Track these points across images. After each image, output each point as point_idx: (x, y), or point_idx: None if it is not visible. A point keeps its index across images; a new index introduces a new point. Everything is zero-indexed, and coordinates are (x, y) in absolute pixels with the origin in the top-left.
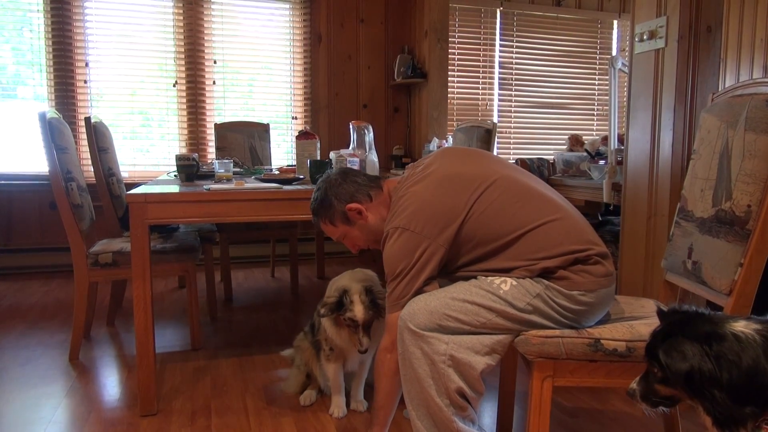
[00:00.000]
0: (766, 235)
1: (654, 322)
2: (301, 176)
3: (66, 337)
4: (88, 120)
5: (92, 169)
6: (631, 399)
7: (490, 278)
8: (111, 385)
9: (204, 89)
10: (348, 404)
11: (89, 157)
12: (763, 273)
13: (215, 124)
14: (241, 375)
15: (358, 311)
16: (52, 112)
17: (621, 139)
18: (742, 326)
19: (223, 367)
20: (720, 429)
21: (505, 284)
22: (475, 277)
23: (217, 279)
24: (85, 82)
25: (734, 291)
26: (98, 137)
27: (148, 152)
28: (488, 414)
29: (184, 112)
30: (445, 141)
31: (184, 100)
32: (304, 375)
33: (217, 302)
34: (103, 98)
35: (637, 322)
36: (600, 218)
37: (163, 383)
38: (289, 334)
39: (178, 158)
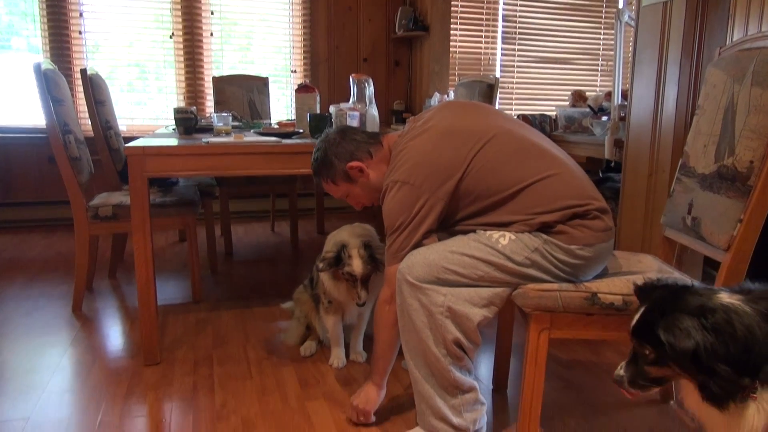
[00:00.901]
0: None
1: (652, 276)
2: (301, 130)
3: (68, 289)
4: (84, 72)
5: (89, 122)
6: (618, 386)
7: (488, 232)
8: (114, 335)
9: (201, 41)
10: (347, 355)
11: (86, 110)
12: (763, 231)
13: (213, 78)
14: (242, 326)
15: (357, 266)
16: (47, 63)
17: (625, 95)
18: (728, 297)
19: (224, 319)
20: (712, 403)
21: (503, 238)
22: (473, 231)
23: (218, 233)
24: (80, 33)
25: (732, 247)
26: (95, 89)
27: (145, 106)
28: (485, 366)
29: (182, 65)
30: (446, 96)
31: (182, 53)
32: (303, 327)
33: (217, 256)
34: (99, 50)
35: (635, 276)
36: (601, 175)
37: (166, 334)
38: (290, 287)
39: (176, 111)
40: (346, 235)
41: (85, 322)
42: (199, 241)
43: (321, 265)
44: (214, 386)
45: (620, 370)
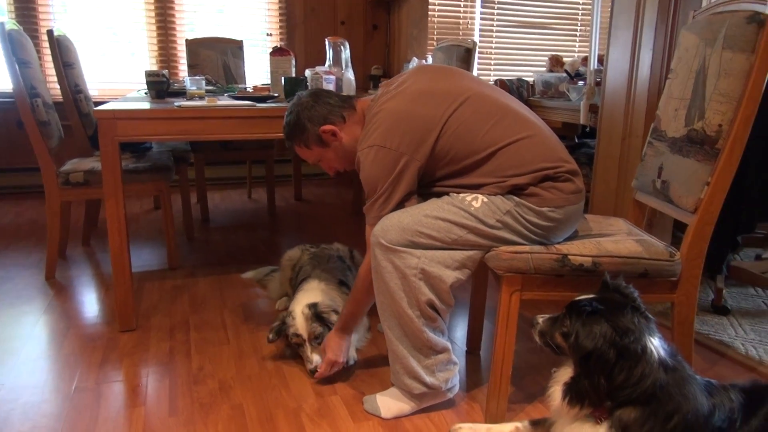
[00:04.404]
0: (735, 154)
1: (621, 240)
2: (276, 94)
3: (41, 257)
4: (50, 33)
5: (58, 87)
6: (530, 327)
7: (461, 195)
8: (89, 302)
9: (173, 3)
10: None
11: (54, 73)
12: (735, 196)
13: (186, 40)
14: (219, 293)
15: (300, 325)
16: (11, 24)
17: (601, 60)
18: (656, 343)
19: (201, 285)
20: (569, 397)
21: (476, 201)
22: (447, 194)
23: (193, 200)
24: None
25: (699, 209)
26: (62, 52)
27: (117, 70)
28: (460, 328)
29: (153, 27)
30: (424, 60)
31: (153, 14)
32: (285, 289)
33: (193, 223)
34: (66, 11)
35: (605, 239)
36: (577, 140)
37: (141, 301)
38: (267, 254)
39: (148, 74)
40: (295, 303)
41: (59, 290)
42: (174, 209)
43: (270, 336)
44: (190, 351)
45: (540, 319)
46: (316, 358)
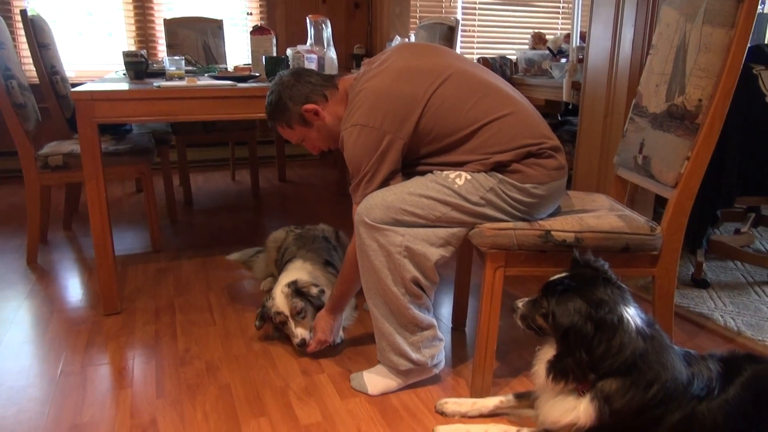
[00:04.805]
0: (714, 129)
1: (603, 215)
2: (257, 74)
3: (22, 242)
4: (24, 13)
5: (34, 68)
6: (511, 312)
7: (445, 173)
8: (72, 286)
9: None
10: None
11: (29, 55)
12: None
13: (165, 20)
14: (204, 275)
15: (280, 302)
16: None
17: (583, 37)
18: (632, 312)
19: (186, 268)
20: (553, 374)
21: (459, 178)
22: (431, 172)
23: (176, 183)
24: None
25: (680, 184)
26: (37, 32)
27: (94, 51)
28: (445, 305)
29: (130, 6)
30: (407, 39)
31: None
32: (270, 269)
33: (176, 205)
34: None
35: (587, 214)
36: (560, 118)
37: (126, 284)
38: (252, 236)
39: (126, 55)
40: (276, 284)
41: (41, 275)
42: (157, 192)
43: (257, 323)
44: (176, 333)
45: (520, 303)
46: (300, 332)
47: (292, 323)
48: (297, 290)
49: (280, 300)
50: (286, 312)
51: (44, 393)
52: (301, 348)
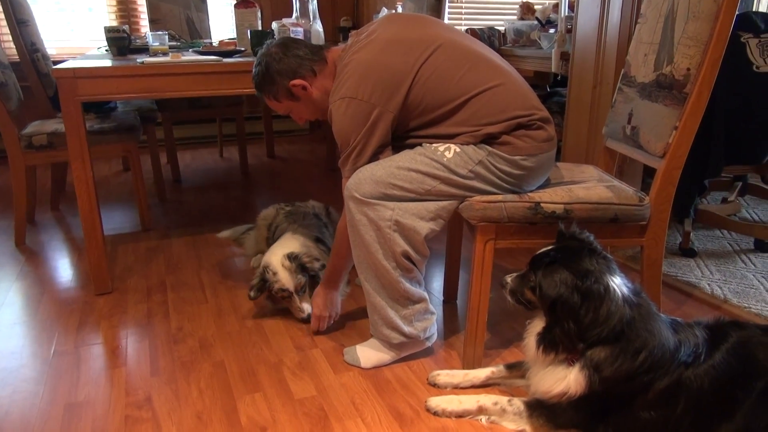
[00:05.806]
0: (702, 97)
1: (592, 186)
2: (242, 48)
3: (9, 224)
4: None
5: (13, 46)
6: (501, 288)
7: (434, 145)
8: (62, 267)
9: None
10: None
11: (7, 32)
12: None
13: None
14: (195, 252)
15: (284, 279)
16: None
17: (572, 6)
18: (618, 281)
19: (176, 246)
20: (544, 345)
21: (448, 151)
22: (420, 145)
23: (164, 161)
24: None
25: (668, 154)
26: (15, 8)
27: (74, 27)
28: (436, 279)
29: None
30: (394, 10)
31: None
32: (260, 247)
33: (164, 183)
34: None
35: (576, 186)
36: (549, 89)
37: (116, 263)
38: (242, 212)
39: (108, 30)
40: (270, 255)
41: (30, 256)
42: (144, 170)
43: (252, 294)
44: (169, 312)
45: (509, 278)
46: (306, 307)
47: (296, 298)
48: (301, 265)
49: (284, 276)
50: (291, 288)
51: (38, 373)
52: (306, 322)
